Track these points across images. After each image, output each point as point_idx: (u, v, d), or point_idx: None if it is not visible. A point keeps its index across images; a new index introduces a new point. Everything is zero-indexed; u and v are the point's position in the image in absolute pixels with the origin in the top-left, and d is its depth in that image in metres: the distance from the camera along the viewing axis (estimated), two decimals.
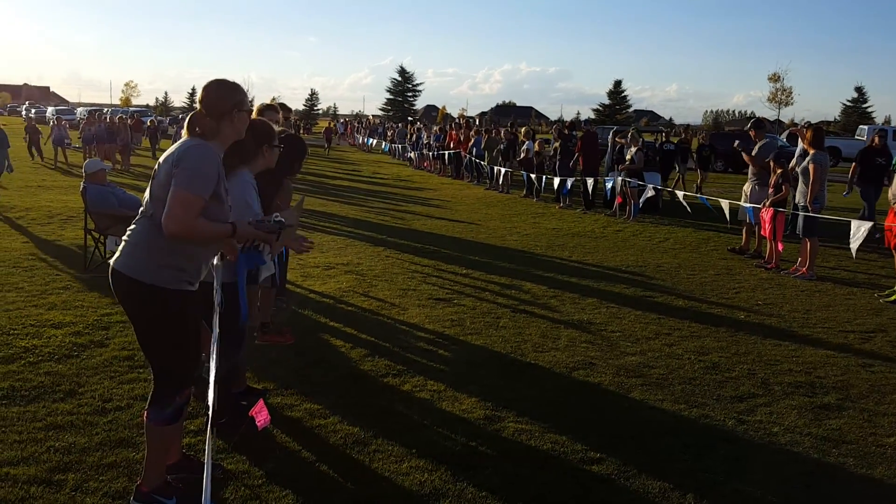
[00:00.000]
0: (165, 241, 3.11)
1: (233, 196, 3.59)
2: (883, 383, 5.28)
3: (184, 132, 3.30)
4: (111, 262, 3.25)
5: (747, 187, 10.53)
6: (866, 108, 75.05)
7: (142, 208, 3.24)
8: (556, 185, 15.49)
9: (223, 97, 3.26)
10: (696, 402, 4.85)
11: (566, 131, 17.25)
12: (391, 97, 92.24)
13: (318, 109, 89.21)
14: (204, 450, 3.92)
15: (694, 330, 6.53)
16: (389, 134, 38.68)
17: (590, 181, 14.74)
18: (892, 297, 7.79)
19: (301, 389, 4.81)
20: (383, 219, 13.49)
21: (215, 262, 3.80)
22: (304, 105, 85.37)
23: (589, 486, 3.70)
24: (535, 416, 4.51)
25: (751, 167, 10.44)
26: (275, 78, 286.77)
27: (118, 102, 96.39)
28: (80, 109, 46.15)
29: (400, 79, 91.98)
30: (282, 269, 6.33)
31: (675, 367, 5.53)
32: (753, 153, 10.41)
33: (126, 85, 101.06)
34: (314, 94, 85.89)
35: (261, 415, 4.00)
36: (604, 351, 5.87)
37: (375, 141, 39.73)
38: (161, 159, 3.21)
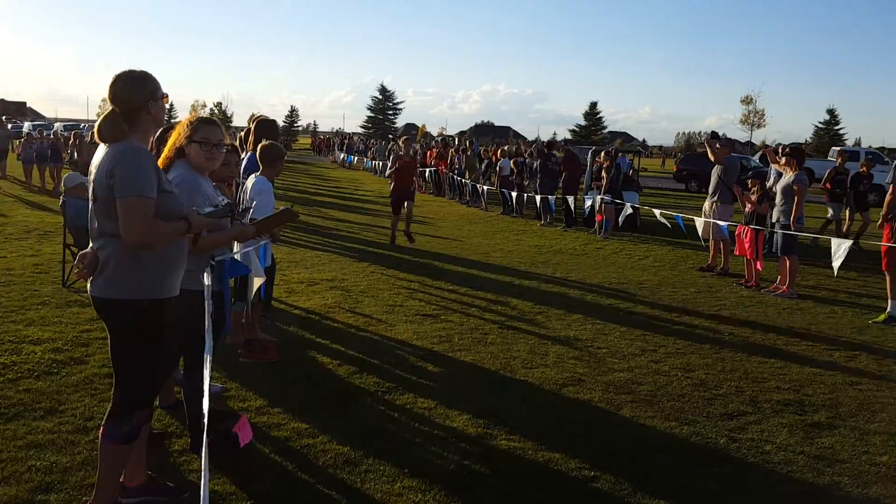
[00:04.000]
0: (152, 250, 3.07)
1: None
2: (872, 401, 5.30)
3: (97, 140, 3.11)
4: (89, 291, 3.12)
5: (707, 206, 10.60)
6: (838, 129, 76.16)
7: (97, 230, 3.09)
8: (538, 203, 15.58)
9: (136, 90, 3.09)
10: (687, 419, 4.83)
11: (546, 150, 17.35)
12: (372, 115, 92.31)
13: (297, 126, 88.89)
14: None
15: (679, 346, 6.53)
16: (371, 151, 38.63)
17: (570, 199, 14.83)
18: (881, 318, 7.79)
19: (287, 408, 4.71)
20: (366, 234, 13.41)
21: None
22: (285, 121, 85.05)
23: None
24: (528, 434, 4.46)
25: (711, 186, 10.50)
26: (254, 95, 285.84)
27: (95, 118, 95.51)
28: (57, 125, 45.60)
29: (381, 97, 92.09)
30: (269, 284, 6.24)
31: (663, 383, 5.52)
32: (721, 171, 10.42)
33: (103, 100, 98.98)
34: (294, 110, 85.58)
35: (243, 431, 3.91)
36: (592, 367, 5.84)
37: (356, 158, 39.63)
38: (91, 179, 3.07)
